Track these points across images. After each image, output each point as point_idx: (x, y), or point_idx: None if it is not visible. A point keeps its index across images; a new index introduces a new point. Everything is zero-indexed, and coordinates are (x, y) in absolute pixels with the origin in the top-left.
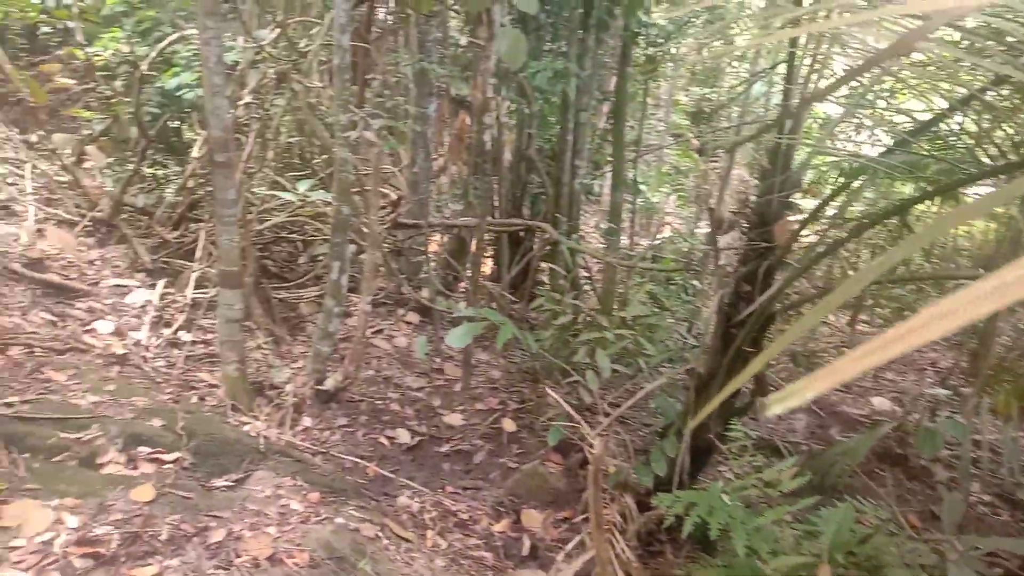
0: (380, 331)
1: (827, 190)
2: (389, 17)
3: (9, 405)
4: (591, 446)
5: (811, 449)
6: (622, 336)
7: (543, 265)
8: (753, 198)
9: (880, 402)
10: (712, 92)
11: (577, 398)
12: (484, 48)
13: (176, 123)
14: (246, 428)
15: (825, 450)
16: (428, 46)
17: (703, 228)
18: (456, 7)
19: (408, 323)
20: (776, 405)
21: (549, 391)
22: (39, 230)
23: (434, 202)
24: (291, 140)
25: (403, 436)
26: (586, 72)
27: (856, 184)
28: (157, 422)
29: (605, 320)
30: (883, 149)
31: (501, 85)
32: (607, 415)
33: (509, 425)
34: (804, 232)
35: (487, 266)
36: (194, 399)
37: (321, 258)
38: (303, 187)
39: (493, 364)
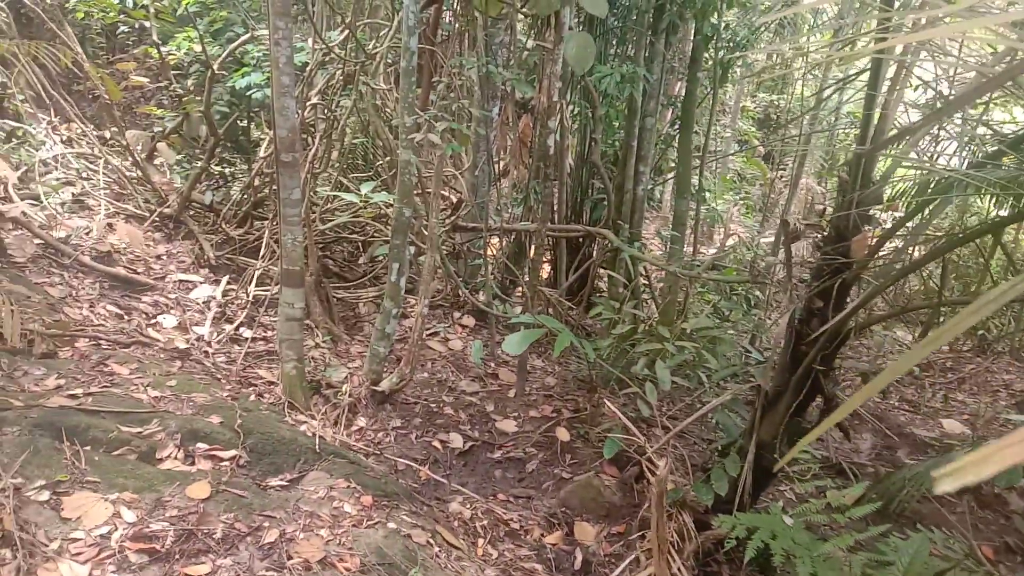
0: (436, 334)
1: (908, 204)
2: (454, 20)
3: (74, 397)
4: (651, 462)
5: (878, 472)
6: (683, 348)
7: (601, 272)
8: (829, 210)
9: (951, 425)
10: (781, 99)
11: (635, 410)
12: (551, 51)
13: (244, 122)
14: (302, 428)
15: (893, 473)
16: (493, 49)
17: (768, 237)
18: (524, 10)
19: (464, 326)
20: (948, 481)
21: (606, 402)
22: (109, 224)
23: (494, 205)
24: (355, 141)
25: (456, 440)
26: (654, 77)
27: (941, 199)
28: (216, 419)
29: (666, 331)
30: (969, 162)
31: (566, 89)
32: (666, 430)
33: (563, 434)
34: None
35: (544, 271)
36: (252, 396)
37: (380, 259)
38: (366, 188)
39: (548, 371)
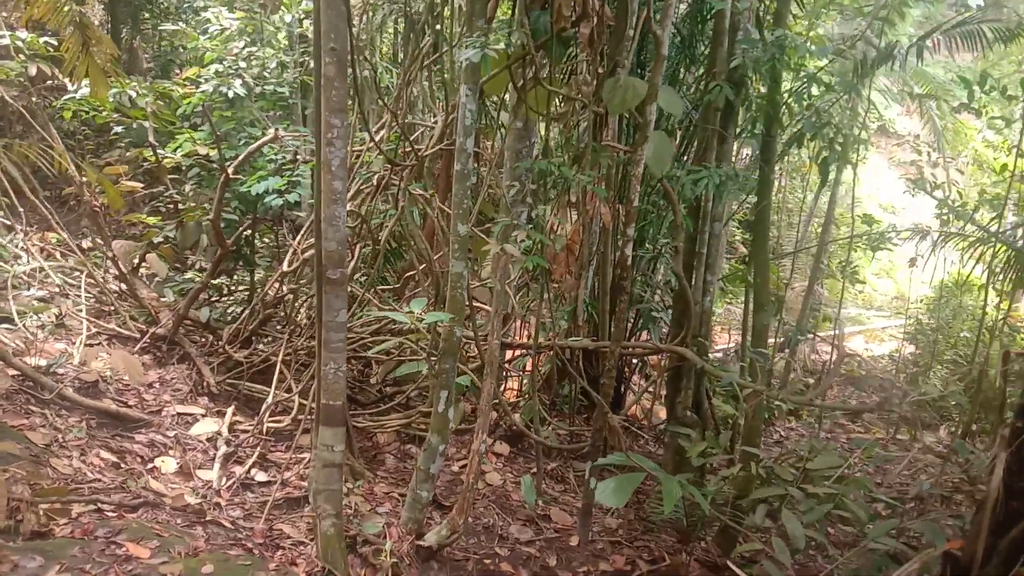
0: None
1: None
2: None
3: None
4: None
5: None
6: (816, 496)
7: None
8: None
9: None
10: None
11: (760, 573)
12: (635, 152)
13: (250, 232)
14: None
15: None
16: (525, 151)
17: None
18: (594, 107)
19: (498, 455)
20: None
21: (730, 564)
22: (93, 347)
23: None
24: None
25: None
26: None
27: None
28: None
29: (788, 473)
30: None
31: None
32: None
33: None
34: None
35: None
36: (283, 560)
37: (391, 378)
38: (417, 306)
39: (604, 507)
